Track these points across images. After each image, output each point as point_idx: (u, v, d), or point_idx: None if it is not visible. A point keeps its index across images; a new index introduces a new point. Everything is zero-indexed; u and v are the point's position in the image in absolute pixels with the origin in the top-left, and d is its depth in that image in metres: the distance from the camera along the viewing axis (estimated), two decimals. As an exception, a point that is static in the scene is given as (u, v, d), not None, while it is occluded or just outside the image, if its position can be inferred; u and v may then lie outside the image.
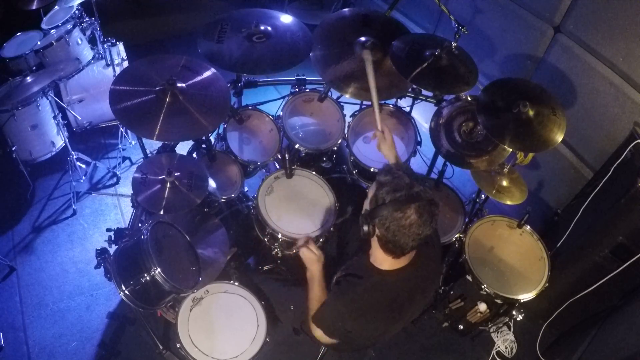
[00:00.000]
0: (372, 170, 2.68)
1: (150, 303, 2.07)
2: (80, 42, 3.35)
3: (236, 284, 2.19)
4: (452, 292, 2.63)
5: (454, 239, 2.60)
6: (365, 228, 1.57)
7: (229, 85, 2.71)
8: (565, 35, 2.67)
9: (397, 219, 1.48)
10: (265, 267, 2.60)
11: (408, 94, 2.89)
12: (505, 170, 2.56)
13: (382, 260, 1.63)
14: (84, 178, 3.37)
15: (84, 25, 3.47)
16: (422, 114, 3.54)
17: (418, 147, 2.79)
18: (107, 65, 3.44)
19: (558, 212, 2.88)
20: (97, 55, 3.53)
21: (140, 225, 2.56)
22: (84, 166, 3.38)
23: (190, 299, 2.12)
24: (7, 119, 2.94)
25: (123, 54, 3.54)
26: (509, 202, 2.52)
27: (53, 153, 3.26)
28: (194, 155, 2.76)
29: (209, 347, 2.01)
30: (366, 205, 1.62)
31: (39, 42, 3.23)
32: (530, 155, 2.56)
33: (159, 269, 1.93)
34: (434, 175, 2.98)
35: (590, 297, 2.42)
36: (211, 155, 2.61)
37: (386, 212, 1.49)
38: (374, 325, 1.68)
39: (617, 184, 2.31)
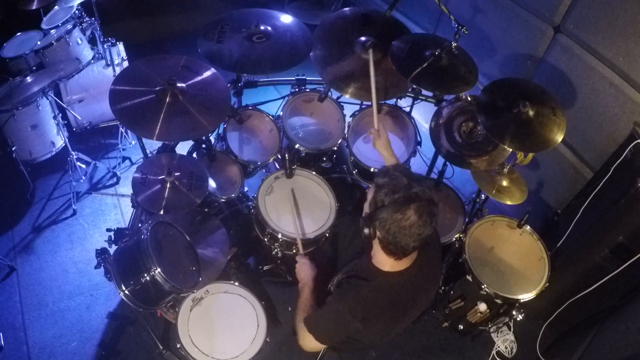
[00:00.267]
0: (372, 170, 2.68)
1: (150, 303, 2.06)
2: (80, 42, 3.35)
3: (236, 284, 2.19)
4: (452, 292, 2.63)
5: (454, 239, 2.60)
6: (366, 231, 1.57)
7: (229, 85, 2.71)
8: (565, 35, 2.67)
9: (397, 221, 1.48)
10: (265, 267, 2.60)
11: (408, 94, 2.89)
12: (505, 170, 2.56)
13: (384, 262, 1.63)
14: (84, 178, 3.37)
15: (84, 25, 3.47)
16: (422, 114, 3.54)
17: (418, 147, 2.79)
18: (107, 65, 3.44)
19: (558, 212, 2.88)
20: (97, 55, 3.53)
21: (140, 225, 2.56)
22: (84, 166, 3.38)
23: (190, 299, 2.12)
24: (7, 119, 2.94)
25: (123, 54, 3.54)
26: (509, 202, 2.52)
27: (53, 153, 3.26)
28: (194, 155, 2.76)
29: (209, 347, 2.01)
30: (366, 209, 1.62)
31: (39, 42, 3.23)
32: (530, 155, 2.56)
33: (159, 269, 1.93)
34: (434, 175, 2.98)
35: (590, 297, 2.42)
36: (211, 155, 2.61)
37: (386, 214, 1.49)
38: (377, 326, 1.68)
39: (617, 184, 2.31)
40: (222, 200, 2.57)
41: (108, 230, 2.51)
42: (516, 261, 2.44)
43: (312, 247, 2.37)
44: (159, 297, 2.04)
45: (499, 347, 2.75)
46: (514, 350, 2.75)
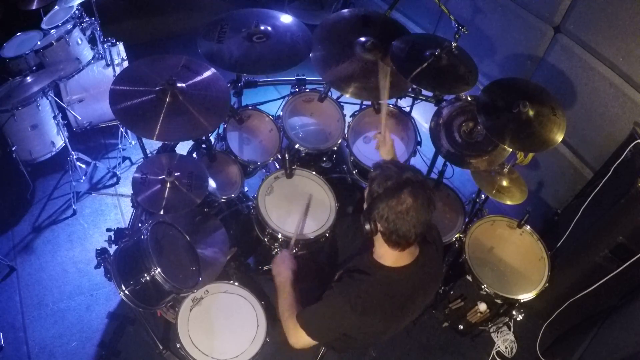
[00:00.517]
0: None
1: (150, 303, 2.06)
2: (80, 42, 3.35)
3: (236, 284, 2.19)
4: (452, 292, 2.63)
5: (454, 239, 2.60)
6: (367, 226, 1.57)
7: (229, 85, 2.71)
8: (565, 35, 2.67)
9: (393, 207, 1.48)
10: (265, 267, 2.59)
11: (408, 94, 2.89)
12: (505, 170, 2.56)
13: (386, 256, 1.63)
14: (84, 178, 3.37)
15: (84, 25, 3.47)
16: (422, 114, 3.54)
17: (418, 147, 2.80)
18: (107, 65, 3.44)
19: (558, 212, 2.88)
20: (97, 55, 3.53)
21: (140, 225, 2.56)
22: (84, 166, 3.38)
23: (190, 299, 2.12)
24: (7, 119, 2.94)
25: (123, 54, 3.54)
26: (509, 202, 2.52)
27: (53, 153, 3.26)
28: (194, 155, 2.76)
29: (209, 347, 2.01)
30: (364, 206, 1.63)
31: (39, 42, 3.23)
32: (530, 155, 2.56)
33: (159, 269, 1.93)
34: (434, 175, 2.98)
35: (590, 297, 2.42)
36: (211, 155, 2.61)
37: (382, 203, 1.50)
38: (375, 322, 1.67)
39: (617, 184, 2.31)
40: (222, 200, 2.57)
41: (108, 230, 2.52)
42: (516, 261, 2.44)
43: (312, 247, 2.37)
44: (159, 297, 2.04)
45: (499, 347, 2.75)
46: (514, 350, 2.75)
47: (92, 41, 3.59)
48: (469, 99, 2.55)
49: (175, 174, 2.23)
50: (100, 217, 3.23)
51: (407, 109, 3.03)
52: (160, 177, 2.22)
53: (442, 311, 2.73)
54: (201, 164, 2.43)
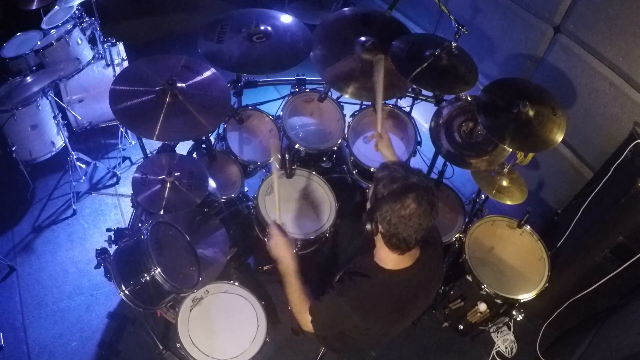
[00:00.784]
0: (372, 170, 2.68)
1: (150, 303, 2.06)
2: (80, 42, 3.35)
3: (236, 284, 2.19)
4: (452, 292, 2.63)
5: (454, 239, 2.60)
6: (368, 226, 1.57)
7: (229, 85, 2.71)
8: (565, 35, 2.67)
9: (396, 210, 1.47)
10: (265, 267, 2.60)
11: (408, 94, 2.89)
12: (505, 170, 2.56)
13: (387, 259, 1.63)
14: (84, 178, 3.37)
15: (84, 25, 3.47)
16: (422, 114, 3.54)
17: (418, 147, 2.80)
18: (107, 65, 3.44)
19: (558, 212, 2.88)
20: (97, 55, 3.53)
21: (140, 225, 2.56)
22: (84, 166, 3.38)
23: (190, 299, 2.12)
24: (7, 119, 2.94)
25: (123, 54, 3.54)
26: (509, 202, 2.52)
27: (53, 153, 3.26)
28: (194, 155, 2.76)
29: (209, 347, 2.01)
30: (367, 206, 1.63)
31: (39, 42, 3.23)
32: (530, 155, 2.56)
33: (159, 269, 1.93)
34: (434, 175, 2.99)
35: (590, 297, 2.42)
36: (211, 155, 2.61)
37: (385, 205, 1.49)
38: (376, 324, 1.67)
39: (617, 184, 2.31)
40: (222, 200, 2.57)
41: (108, 230, 2.52)
42: (516, 261, 2.44)
43: (312, 247, 2.37)
44: (159, 297, 2.04)
45: (499, 347, 2.75)
46: (514, 350, 2.75)
47: (92, 41, 3.58)
48: (469, 99, 2.55)
49: (175, 174, 2.23)
50: (100, 217, 3.23)
51: (407, 109, 3.03)
52: (160, 177, 2.22)
53: (442, 311, 2.73)
54: (201, 164, 2.44)
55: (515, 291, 2.32)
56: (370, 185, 1.65)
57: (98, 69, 3.46)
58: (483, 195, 2.72)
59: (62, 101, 3.25)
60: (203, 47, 2.43)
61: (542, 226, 2.89)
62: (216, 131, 2.82)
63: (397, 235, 1.51)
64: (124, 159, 3.58)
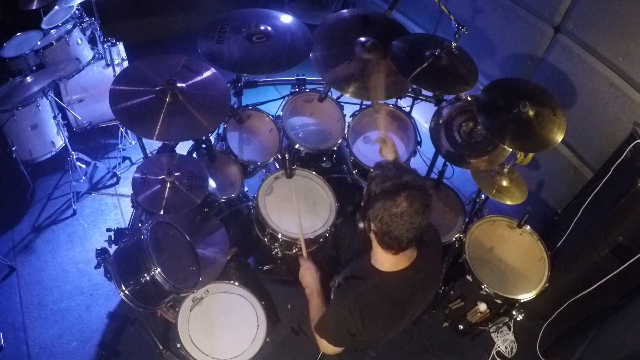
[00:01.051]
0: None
1: (150, 303, 2.07)
2: (80, 42, 3.35)
3: (236, 284, 2.19)
4: (452, 292, 2.63)
5: (454, 239, 2.60)
6: (361, 225, 1.57)
7: (229, 85, 2.71)
8: (565, 35, 2.67)
9: (388, 208, 1.47)
10: (265, 267, 2.60)
11: (408, 94, 2.89)
12: (505, 170, 2.56)
13: (383, 260, 1.63)
14: (84, 178, 3.37)
15: (84, 25, 3.47)
16: (422, 114, 3.54)
17: (418, 147, 2.80)
18: (107, 65, 3.44)
19: (558, 212, 2.88)
20: (97, 55, 3.53)
21: (140, 225, 2.56)
22: (84, 166, 3.38)
23: (190, 299, 2.12)
24: (7, 119, 2.94)
25: (123, 54, 3.54)
26: (509, 202, 2.52)
27: (53, 153, 3.26)
28: (194, 155, 2.76)
29: (209, 347, 2.01)
30: (361, 204, 1.63)
31: (39, 42, 3.23)
32: (530, 155, 2.56)
33: (159, 269, 1.93)
34: (434, 175, 2.98)
35: (590, 297, 2.42)
36: (211, 155, 2.61)
37: (378, 203, 1.50)
38: (376, 326, 1.68)
39: (617, 184, 2.30)
40: (222, 200, 2.57)
41: (108, 230, 2.52)
42: (516, 261, 2.44)
43: (312, 247, 2.37)
44: (159, 297, 2.04)
45: (499, 347, 2.75)
46: (514, 350, 2.75)
47: (92, 41, 3.59)
48: (469, 99, 2.55)
49: (175, 174, 2.23)
50: (100, 217, 3.23)
51: (407, 109, 3.03)
52: (160, 177, 2.22)
53: (442, 311, 2.73)
54: (201, 164, 2.44)
55: (515, 291, 2.32)
56: None
57: (98, 69, 3.47)
58: (483, 195, 2.72)
59: (62, 101, 3.25)
60: (203, 47, 2.43)
61: (542, 226, 2.89)
62: (216, 131, 2.82)
63: (389, 234, 1.51)
64: (124, 159, 3.58)
